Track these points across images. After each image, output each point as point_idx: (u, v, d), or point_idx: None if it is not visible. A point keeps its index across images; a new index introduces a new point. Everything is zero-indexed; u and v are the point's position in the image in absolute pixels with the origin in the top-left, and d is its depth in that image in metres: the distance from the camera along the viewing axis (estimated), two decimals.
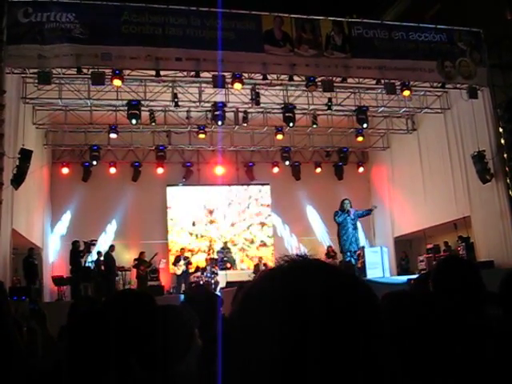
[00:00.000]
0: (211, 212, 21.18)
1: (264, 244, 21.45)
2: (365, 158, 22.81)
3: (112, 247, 17.08)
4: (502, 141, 15.54)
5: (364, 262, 13.70)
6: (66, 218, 19.20)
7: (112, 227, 19.49)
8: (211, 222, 21.08)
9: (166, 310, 2.62)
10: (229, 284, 14.93)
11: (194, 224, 20.72)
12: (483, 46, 15.92)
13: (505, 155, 15.48)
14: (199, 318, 3.33)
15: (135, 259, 17.85)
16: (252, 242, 21.37)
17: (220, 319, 3.13)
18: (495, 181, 15.78)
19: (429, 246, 18.86)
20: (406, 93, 16.07)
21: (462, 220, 17.18)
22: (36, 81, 14.16)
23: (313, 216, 21.72)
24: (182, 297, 4.99)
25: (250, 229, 21.47)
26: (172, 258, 19.20)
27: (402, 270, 19.37)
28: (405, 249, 20.51)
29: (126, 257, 18.44)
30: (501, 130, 15.61)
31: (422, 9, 20.05)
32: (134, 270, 17.75)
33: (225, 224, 21.23)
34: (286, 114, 17.02)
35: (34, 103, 16.44)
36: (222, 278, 17.44)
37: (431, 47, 15.49)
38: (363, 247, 14.42)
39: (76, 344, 2.54)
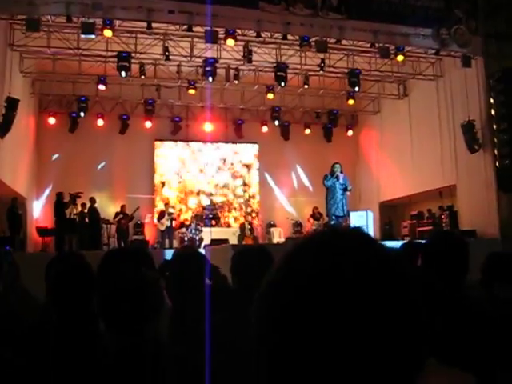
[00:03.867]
0: (200, 169, 21.15)
1: (250, 203, 21.53)
2: (354, 122, 22.78)
3: (92, 199, 16.96)
4: (493, 112, 15.54)
5: (349, 226, 13.86)
6: (52, 168, 19.04)
7: (99, 180, 19.39)
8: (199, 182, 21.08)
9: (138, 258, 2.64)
10: (213, 241, 15.00)
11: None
12: (480, 15, 15.76)
13: (494, 126, 15.50)
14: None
15: (116, 212, 17.84)
16: (238, 199, 21.42)
17: (207, 285, 3.16)
18: (483, 151, 15.87)
19: (413, 213, 19.07)
20: (400, 58, 15.97)
21: (447, 188, 17.33)
22: (24, 28, 13.82)
23: (301, 177, 21.78)
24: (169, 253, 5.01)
25: (237, 187, 21.50)
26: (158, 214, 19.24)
27: (385, 234, 19.58)
28: (389, 214, 20.70)
29: (111, 209, 18.42)
30: (492, 100, 15.59)
31: None
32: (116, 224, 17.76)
33: (212, 180, 21.24)
34: (278, 73, 16.86)
35: (22, 50, 16.11)
36: (207, 234, 17.51)
37: (427, 13, 15.29)
38: (349, 213, 14.48)
39: (60, 299, 2.56)
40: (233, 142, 21.57)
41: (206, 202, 20.63)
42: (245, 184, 21.64)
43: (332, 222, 13.19)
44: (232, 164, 21.59)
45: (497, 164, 15.36)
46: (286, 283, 0.82)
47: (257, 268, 2.74)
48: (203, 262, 3.34)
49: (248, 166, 21.74)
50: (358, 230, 0.92)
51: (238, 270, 2.91)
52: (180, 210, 20.47)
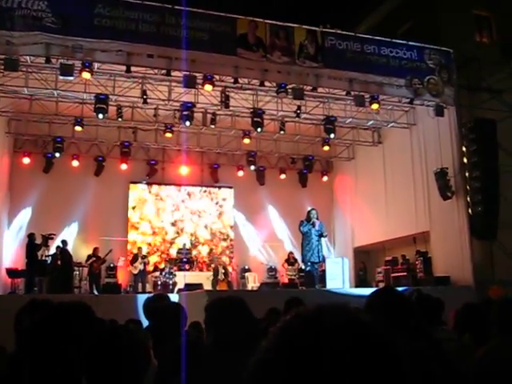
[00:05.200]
0: (173, 212, 21.00)
1: (225, 247, 21.36)
2: (329, 168, 22.95)
3: (64, 242, 16.67)
4: (465, 160, 15.79)
5: (324, 272, 13.75)
6: (26, 209, 18.72)
7: (72, 222, 19.11)
8: (174, 223, 20.89)
9: (119, 329, 2.49)
10: (187, 286, 14.74)
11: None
12: (452, 66, 16.17)
13: (466, 174, 15.73)
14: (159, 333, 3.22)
15: (89, 255, 17.54)
16: (213, 243, 21.24)
17: (184, 337, 3.03)
18: (456, 198, 16.03)
19: (387, 259, 19.07)
20: (375, 106, 16.20)
21: (421, 234, 17.42)
22: (2, 67, 13.74)
23: (276, 221, 21.75)
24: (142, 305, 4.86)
25: (211, 231, 21.34)
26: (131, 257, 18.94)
27: (359, 281, 19.53)
28: (363, 260, 20.67)
29: (84, 252, 18.09)
30: (464, 149, 15.86)
31: (394, 24, 20.31)
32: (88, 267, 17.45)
33: (186, 224, 21.07)
34: (255, 119, 16.97)
35: None
36: (181, 278, 17.26)
37: (401, 64, 15.64)
38: (324, 259, 14.43)
39: (37, 352, 2.41)
40: (208, 186, 21.51)
41: (180, 245, 20.39)
42: (224, 226, 21.48)
43: (307, 268, 13.11)
44: (209, 207, 21.46)
45: (469, 211, 15.52)
46: (276, 363, 0.88)
47: (231, 322, 2.63)
48: (179, 316, 3.22)
49: (223, 210, 21.64)
50: (347, 311, 0.96)
51: (213, 324, 2.79)
52: (151, 253, 20.18)
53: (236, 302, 2.87)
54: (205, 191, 21.61)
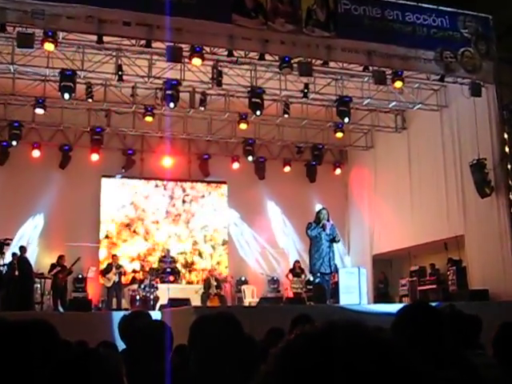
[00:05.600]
0: (154, 213, 21.00)
1: (218, 254, 21.37)
2: (343, 159, 22.98)
3: (23, 249, 16.62)
4: (507, 149, 15.77)
5: (337, 285, 13.74)
6: None
7: (33, 224, 19.08)
8: (156, 225, 20.89)
9: (88, 354, 2.48)
10: (172, 301, 14.73)
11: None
12: (491, 36, 16.14)
13: (509, 166, 15.70)
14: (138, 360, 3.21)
15: (52, 264, 17.50)
16: (202, 252, 21.25)
17: (168, 364, 3.02)
18: (495, 195, 16.04)
19: (413, 268, 19.08)
20: (398, 84, 16.18)
21: (453, 239, 17.41)
22: None
23: (279, 224, 21.76)
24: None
25: (201, 236, 21.35)
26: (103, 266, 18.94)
27: (379, 295, 19.54)
28: (384, 270, 20.69)
29: (47, 261, 18.04)
30: (506, 135, 15.83)
31: None
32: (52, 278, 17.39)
33: (170, 228, 21.08)
34: (253, 100, 16.94)
35: None
36: (164, 292, 17.24)
37: (430, 33, 15.62)
38: (337, 269, 14.42)
39: None
40: (197, 181, 21.50)
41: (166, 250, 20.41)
42: (215, 231, 21.50)
43: (317, 280, 13.08)
44: (198, 207, 21.45)
45: None
46: None
47: (219, 345, 2.61)
48: (163, 337, 3.21)
49: (215, 209, 21.64)
50: (363, 329, 0.95)
51: (196, 347, 2.77)
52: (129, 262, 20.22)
53: (225, 319, 2.85)
54: (193, 187, 21.60)
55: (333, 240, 13.07)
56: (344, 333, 0.91)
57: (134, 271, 19.97)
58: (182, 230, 21.27)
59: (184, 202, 21.45)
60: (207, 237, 21.45)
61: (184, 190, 21.52)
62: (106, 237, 20.44)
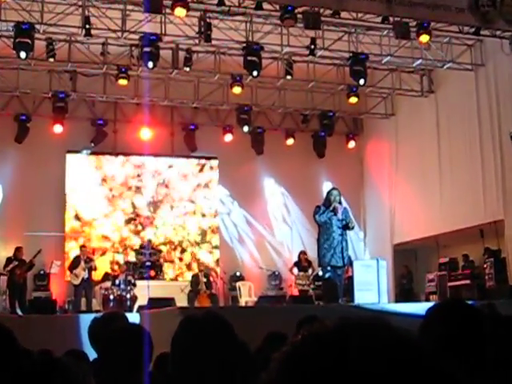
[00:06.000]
0: (131, 194, 20.99)
1: (207, 247, 21.41)
2: (358, 129, 22.98)
3: None
4: None
5: (351, 281, 13.78)
6: None
7: None
8: (135, 218, 20.92)
9: (52, 364, 2.50)
10: (153, 301, 14.78)
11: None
12: None
13: None
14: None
15: (8, 258, 17.49)
16: (189, 242, 21.29)
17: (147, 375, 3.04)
18: None
19: (442, 261, 19.08)
20: (424, 38, 16.14)
21: (491, 225, 17.43)
22: None
23: (280, 207, 21.76)
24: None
25: (187, 222, 21.37)
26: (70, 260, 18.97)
27: (402, 292, 19.60)
28: (408, 262, 20.73)
29: (2, 254, 18.09)
30: None
31: None
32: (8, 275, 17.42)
33: (150, 214, 21.10)
34: (249, 58, 16.91)
35: None
36: (143, 291, 17.28)
37: None
38: (351, 261, 14.44)
39: None
40: (181, 156, 21.50)
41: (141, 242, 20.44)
42: (204, 216, 21.53)
43: (327, 275, 13.11)
44: (184, 189, 21.46)
45: None
46: None
47: (206, 351, 2.63)
48: (141, 343, 3.23)
49: (203, 191, 21.64)
50: (383, 328, 0.94)
51: (179, 354, 2.79)
52: (99, 254, 20.25)
53: (214, 321, 2.86)
54: (176, 164, 21.59)
55: (346, 226, 13.07)
56: (361, 332, 0.91)
57: (119, 264, 19.96)
58: (164, 215, 21.26)
59: (165, 182, 21.42)
60: (194, 224, 21.45)
61: (166, 168, 21.47)
62: (75, 224, 20.42)
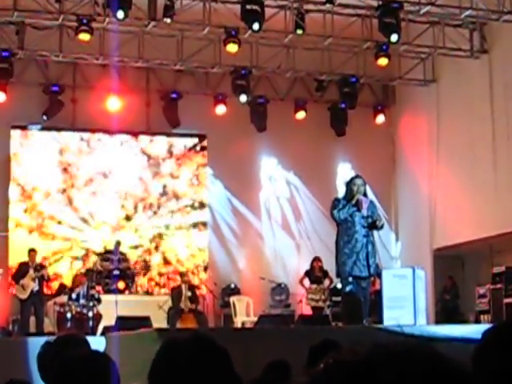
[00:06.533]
0: (93, 184, 21.01)
1: (193, 248, 21.47)
2: (389, 99, 23.05)
3: None
4: None
5: (379, 295, 13.77)
6: None
7: None
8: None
9: None
10: (122, 321, 14.81)
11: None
12: None
13: None
14: None
15: None
16: (168, 245, 21.33)
17: None
18: None
19: (497, 270, 19.14)
20: None
21: None
22: None
23: (287, 199, 21.81)
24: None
25: (167, 220, 21.43)
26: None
27: (444, 310, 19.66)
28: (452, 272, 20.78)
29: None
30: None
31: None
32: None
33: (118, 209, 21.14)
34: (248, 7, 16.97)
35: None
36: (109, 307, 17.34)
37: None
38: (378, 270, 14.43)
39: None
40: (160, 133, 21.54)
41: (108, 244, 20.48)
42: (188, 212, 21.56)
43: (348, 288, 13.11)
44: (162, 175, 21.50)
45: None
46: None
47: None
48: (105, 376, 3.20)
49: (188, 178, 21.67)
50: (423, 355, 0.94)
51: None
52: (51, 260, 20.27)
53: (202, 347, 2.83)
54: (153, 143, 21.63)
55: (373, 225, 13.06)
56: (397, 364, 0.88)
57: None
58: (138, 211, 21.30)
59: (139, 168, 21.46)
60: (176, 221, 21.49)
61: (140, 149, 21.50)
62: (23, 220, 20.46)
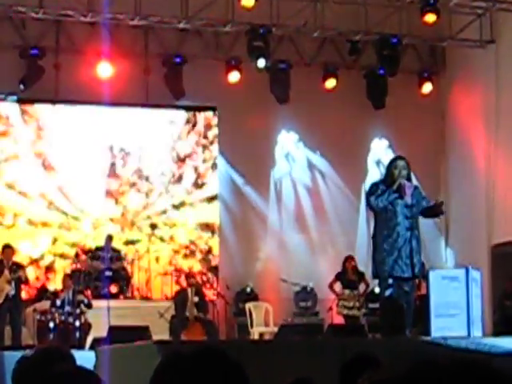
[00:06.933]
0: (81, 167, 21.07)
1: (201, 245, 21.51)
2: (438, 64, 23.02)
3: None
4: None
5: (427, 301, 13.76)
6: None
7: None
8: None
9: None
10: (115, 332, 14.85)
11: None
12: None
13: None
14: None
15: None
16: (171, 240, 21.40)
17: None
18: None
19: None
20: None
21: None
22: None
23: (311, 186, 21.80)
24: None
25: (170, 212, 21.46)
26: None
27: (504, 319, 19.61)
28: None
29: None
30: None
31: None
32: None
33: (109, 199, 21.19)
34: None
35: None
36: (100, 315, 17.39)
37: None
38: (425, 272, 14.41)
39: None
40: (161, 106, 21.56)
41: (99, 239, 20.53)
42: (200, 201, 21.62)
43: (387, 292, 13.09)
44: (151, 164, 21.54)
45: None
46: None
47: None
48: None
49: (194, 159, 21.70)
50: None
51: None
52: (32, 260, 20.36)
53: (212, 362, 2.84)
54: (153, 117, 21.66)
55: (432, 212, 13.04)
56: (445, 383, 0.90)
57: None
58: (134, 200, 21.34)
59: (136, 148, 21.52)
60: (180, 213, 21.53)
61: (138, 125, 21.51)
62: None
